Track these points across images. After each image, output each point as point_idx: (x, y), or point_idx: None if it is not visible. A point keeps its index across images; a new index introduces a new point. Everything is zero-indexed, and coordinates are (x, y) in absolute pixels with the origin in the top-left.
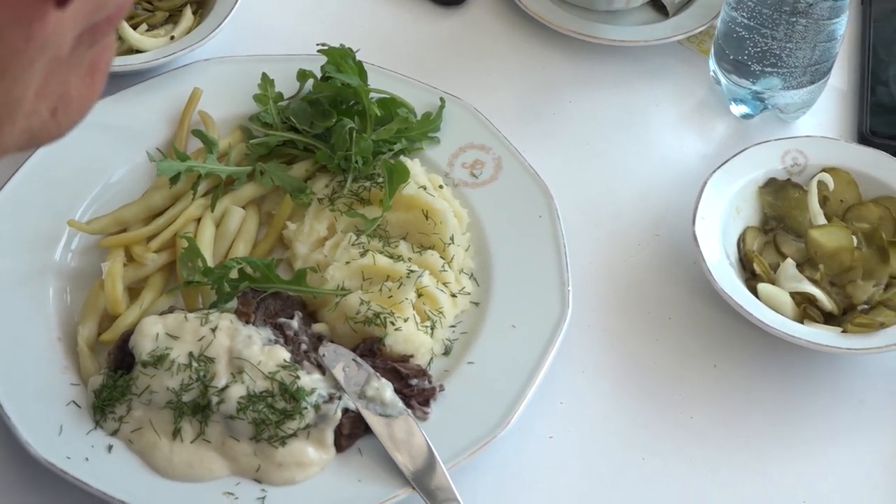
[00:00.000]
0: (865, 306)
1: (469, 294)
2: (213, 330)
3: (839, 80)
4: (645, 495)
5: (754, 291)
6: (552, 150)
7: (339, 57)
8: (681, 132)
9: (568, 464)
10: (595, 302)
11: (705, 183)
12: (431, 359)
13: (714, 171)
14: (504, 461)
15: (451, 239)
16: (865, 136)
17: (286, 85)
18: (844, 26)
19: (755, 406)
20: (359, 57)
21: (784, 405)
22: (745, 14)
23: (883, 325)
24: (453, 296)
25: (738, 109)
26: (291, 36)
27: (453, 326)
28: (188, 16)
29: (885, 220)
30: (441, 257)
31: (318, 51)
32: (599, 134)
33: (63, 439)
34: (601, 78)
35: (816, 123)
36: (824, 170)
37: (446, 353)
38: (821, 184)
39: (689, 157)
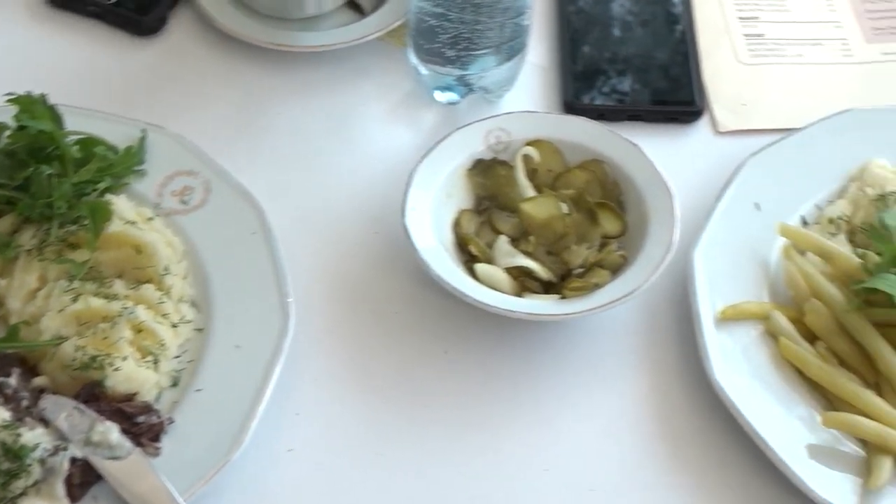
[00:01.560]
0: (581, 270)
1: (191, 322)
2: None
3: (540, 54)
4: (387, 490)
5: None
6: (264, 165)
7: (29, 104)
8: (390, 127)
9: (310, 473)
10: (320, 308)
11: (411, 175)
12: (160, 392)
13: (419, 163)
14: (244, 482)
15: (167, 269)
16: (570, 105)
17: None
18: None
19: (488, 386)
20: (61, 99)
21: (516, 380)
22: (431, 3)
23: (597, 286)
24: (174, 326)
25: (445, 97)
26: None
27: (178, 356)
28: None
29: (592, 182)
30: (158, 289)
31: (7, 101)
32: (310, 142)
33: None
34: (306, 86)
35: (525, 100)
36: (528, 143)
37: (174, 384)
38: (527, 157)
39: (401, 150)
